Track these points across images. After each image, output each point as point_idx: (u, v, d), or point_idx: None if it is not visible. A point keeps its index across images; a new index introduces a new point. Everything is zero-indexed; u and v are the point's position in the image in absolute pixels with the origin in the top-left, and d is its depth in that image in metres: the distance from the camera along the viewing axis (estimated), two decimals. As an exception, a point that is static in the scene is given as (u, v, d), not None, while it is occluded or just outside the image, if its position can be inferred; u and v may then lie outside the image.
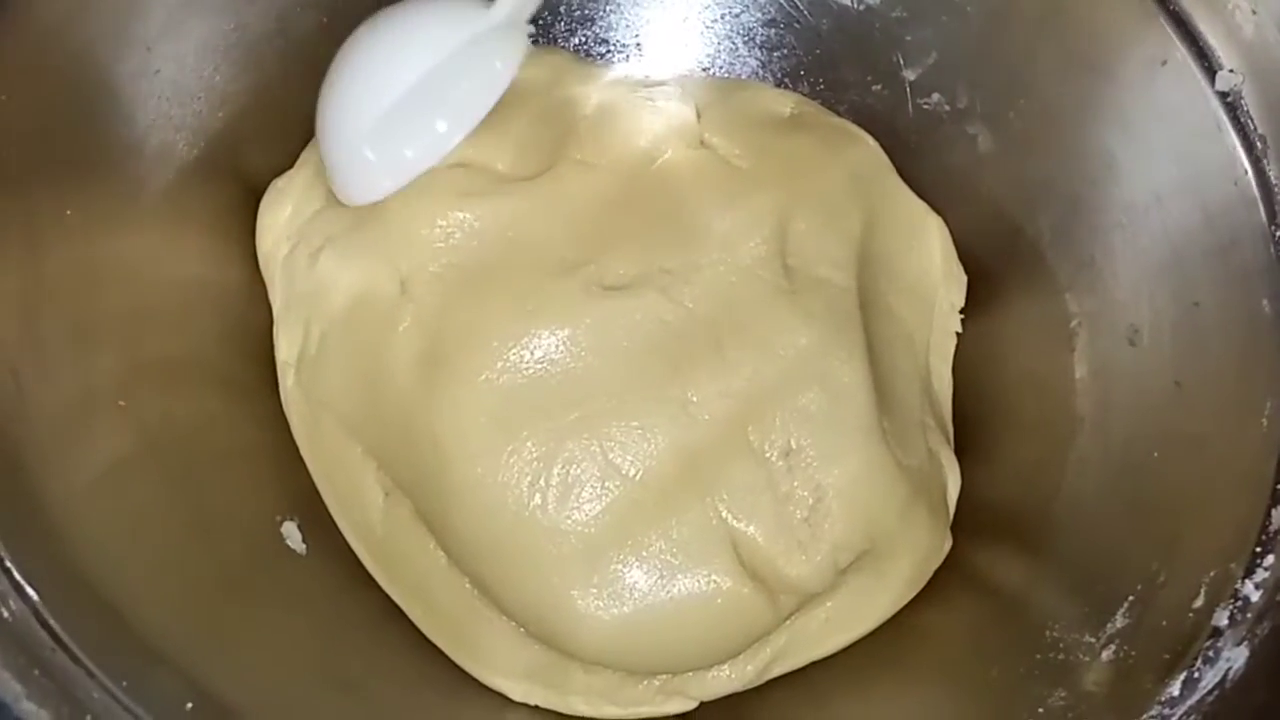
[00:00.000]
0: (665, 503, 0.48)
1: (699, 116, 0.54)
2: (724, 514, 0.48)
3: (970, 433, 0.56)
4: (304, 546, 0.49)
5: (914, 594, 0.52)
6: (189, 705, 0.39)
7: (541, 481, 0.47)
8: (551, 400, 0.48)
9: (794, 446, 0.49)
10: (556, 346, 0.48)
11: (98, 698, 0.36)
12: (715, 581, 0.47)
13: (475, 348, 0.48)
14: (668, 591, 0.47)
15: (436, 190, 0.50)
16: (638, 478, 0.48)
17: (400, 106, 0.49)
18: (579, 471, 0.47)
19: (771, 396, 0.49)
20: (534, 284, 0.49)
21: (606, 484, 0.47)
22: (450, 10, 0.51)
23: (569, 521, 0.47)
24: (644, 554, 0.47)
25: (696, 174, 0.52)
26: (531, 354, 0.48)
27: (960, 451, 0.56)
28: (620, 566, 0.47)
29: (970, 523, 0.54)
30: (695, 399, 0.48)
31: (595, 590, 0.47)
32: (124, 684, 0.37)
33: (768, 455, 0.49)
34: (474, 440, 0.47)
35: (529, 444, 0.47)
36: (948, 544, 0.53)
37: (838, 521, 0.48)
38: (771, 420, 0.49)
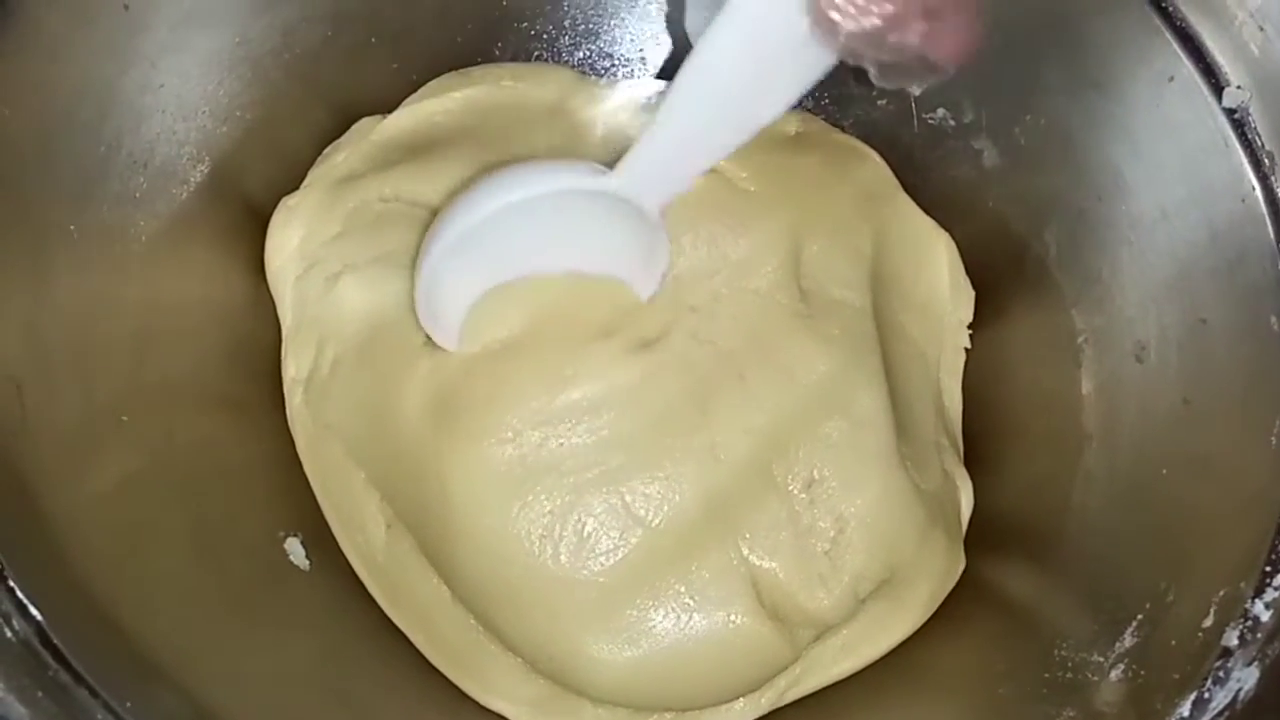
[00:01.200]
0: (687, 548, 0.47)
1: None
2: (745, 553, 0.47)
3: (977, 447, 0.56)
4: (307, 563, 0.49)
5: (929, 616, 0.51)
6: (192, 725, 0.39)
7: (555, 534, 0.46)
8: (573, 459, 0.47)
9: (816, 477, 0.48)
10: (588, 411, 0.47)
11: (101, 718, 0.36)
12: (734, 622, 0.46)
13: (499, 410, 0.47)
14: (684, 633, 0.46)
15: None
16: (660, 526, 0.47)
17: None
18: (597, 525, 0.46)
19: (794, 428, 0.48)
20: (571, 351, 0.47)
21: (626, 535, 0.47)
22: (563, 166, 0.46)
23: (585, 572, 0.46)
24: (662, 598, 0.46)
25: (707, 201, 0.51)
26: (561, 420, 0.47)
27: (967, 465, 0.55)
28: (637, 612, 0.46)
29: (978, 538, 0.54)
30: (721, 440, 0.47)
31: (610, 635, 0.46)
32: (128, 704, 0.37)
33: (790, 488, 0.48)
34: (484, 494, 0.47)
35: (543, 498, 0.46)
36: (961, 565, 0.52)
37: (858, 552, 0.48)
38: (795, 453, 0.48)
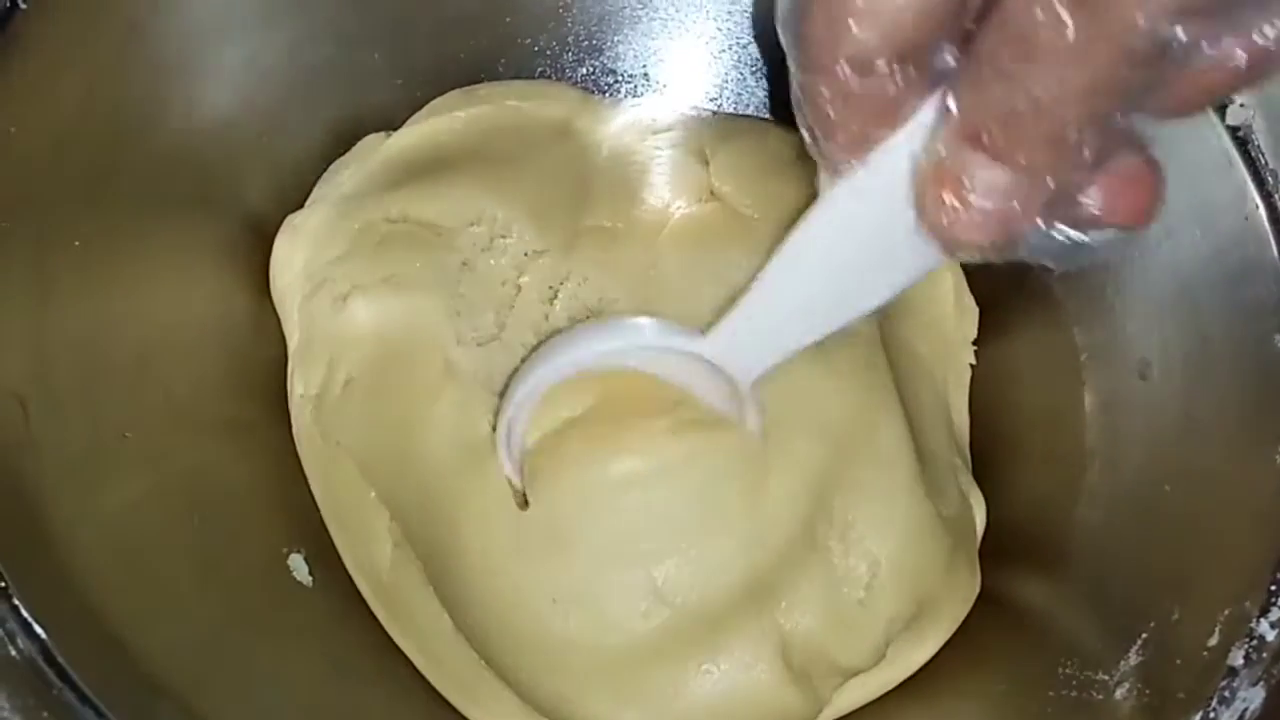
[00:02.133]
0: (716, 623, 0.44)
1: (707, 164, 0.53)
2: (780, 620, 0.45)
3: (980, 463, 0.56)
4: (310, 579, 0.49)
5: (945, 641, 0.50)
6: (195, 743, 0.38)
7: (568, 601, 0.44)
8: (604, 535, 0.44)
9: (850, 520, 0.46)
10: (632, 486, 0.44)
11: (104, 737, 0.36)
12: (757, 686, 0.44)
13: (537, 482, 0.45)
14: (702, 699, 0.44)
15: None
16: (688, 608, 0.44)
17: None
18: (617, 603, 0.44)
19: (831, 477, 0.46)
20: (622, 423, 0.45)
21: (650, 616, 0.44)
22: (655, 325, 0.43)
23: (599, 644, 0.44)
24: (681, 667, 0.44)
25: (712, 232, 0.51)
26: (601, 495, 0.44)
27: (971, 483, 0.55)
28: (654, 682, 0.44)
29: (983, 553, 0.53)
30: (767, 511, 0.45)
31: (619, 698, 0.44)
32: (131, 723, 0.37)
33: (829, 541, 0.46)
34: (498, 552, 0.45)
35: (561, 569, 0.44)
36: (977, 587, 0.52)
37: (891, 595, 0.46)
38: (832, 502, 0.46)
